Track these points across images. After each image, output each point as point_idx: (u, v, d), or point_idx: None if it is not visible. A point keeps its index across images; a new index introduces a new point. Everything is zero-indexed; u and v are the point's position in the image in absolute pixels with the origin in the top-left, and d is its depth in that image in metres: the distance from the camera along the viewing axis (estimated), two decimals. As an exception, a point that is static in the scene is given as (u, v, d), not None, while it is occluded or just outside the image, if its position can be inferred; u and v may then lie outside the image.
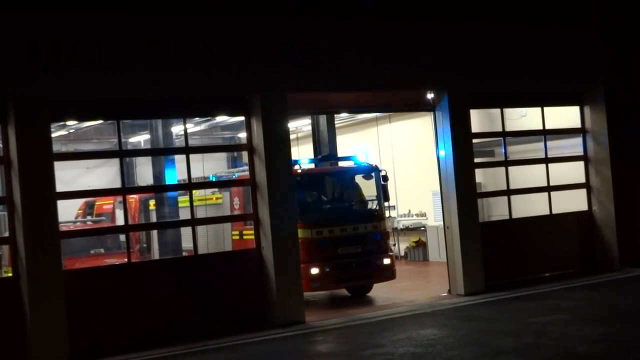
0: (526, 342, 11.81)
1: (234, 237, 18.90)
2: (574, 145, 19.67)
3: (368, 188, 19.16)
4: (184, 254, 18.58)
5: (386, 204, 19.05)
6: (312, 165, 20.22)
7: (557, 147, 19.91)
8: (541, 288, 17.10)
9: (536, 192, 19.11)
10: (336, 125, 22.96)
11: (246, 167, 16.45)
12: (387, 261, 18.23)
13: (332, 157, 20.47)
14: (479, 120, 21.08)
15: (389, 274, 18.30)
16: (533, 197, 19.35)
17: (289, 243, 15.20)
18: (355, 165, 19.29)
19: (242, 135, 19.45)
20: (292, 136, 19.21)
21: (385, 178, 18.88)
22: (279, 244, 15.04)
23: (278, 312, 14.96)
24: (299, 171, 18.08)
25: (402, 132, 26.75)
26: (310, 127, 23.15)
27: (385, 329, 13.89)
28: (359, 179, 19.19)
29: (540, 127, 19.08)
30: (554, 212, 18.86)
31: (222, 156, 31.52)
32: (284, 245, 15.11)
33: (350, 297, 18.76)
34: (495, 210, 22.35)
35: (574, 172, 19.47)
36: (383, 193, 18.79)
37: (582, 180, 19.38)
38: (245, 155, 16.74)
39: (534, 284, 17.49)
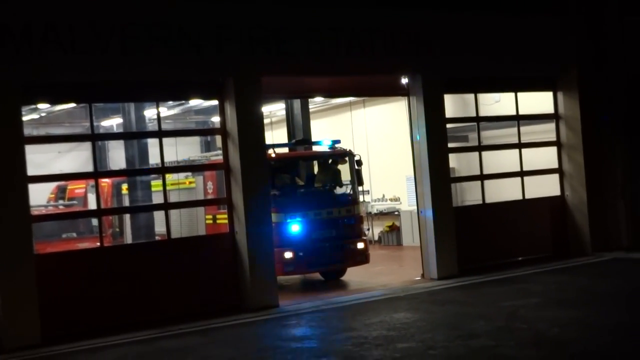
0: (498, 325, 11.92)
1: (208, 222, 18.91)
2: (547, 131, 19.81)
3: (342, 173, 19.21)
4: (157, 238, 18.56)
5: (360, 188, 19.14)
6: (286, 150, 20.22)
7: (531, 132, 20.05)
8: (514, 272, 17.25)
9: (509, 177, 19.24)
10: (310, 110, 22.97)
11: (220, 152, 16.44)
12: (360, 245, 18.33)
13: (306, 141, 20.51)
14: (453, 105, 21.17)
15: (362, 258, 18.41)
16: (506, 182, 19.49)
17: (262, 227, 15.22)
18: (329, 150, 19.33)
19: (216, 119, 19.43)
20: (266, 120, 19.21)
21: (359, 162, 18.95)
22: (253, 229, 15.06)
23: (251, 296, 14.99)
24: (273, 155, 18.09)
25: (376, 117, 26.80)
26: (284, 112, 23.14)
27: (359, 313, 13.97)
28: (332, 163, 19.23)
29: (514, 113, 19.19)
30: (526, 197, 19.00)
31: (195, 140, 31.45)
32: (258, 229, 15.13)
33: (324, 281, 18.85)
34: (469, 195, 22.49)
35: (547, 157, 19.62)
36: (357, 177, 18.85)
37: (555, 165, 19.53)
38: (219, 139, 16.72)
39: (507, 268, 17.64)
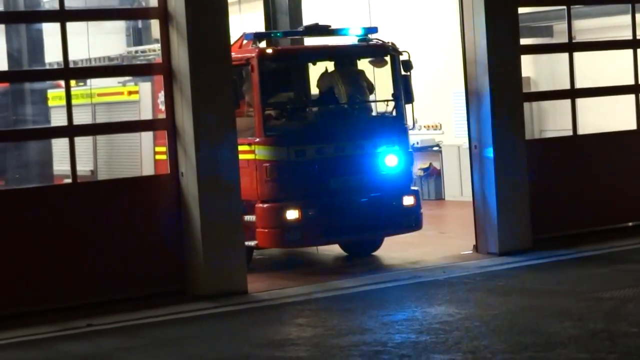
0: (593, 329, 11.97)
1: (159, 157, 18.80)
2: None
3: (380, 81, 18.95)
4: (61, 181, 18.56)
5: (409, 107, 18.80)
6: (288, 42, 20.11)
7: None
8: (619, 245, 17.39)
9: (618, 94, 19.23)
10: (304, -19, 22.86)
11: (158, 46, 16.39)
12: (409, 201, 18.20)
13: (323, 29, 20.17)
14: (531, -23, 21.08)
15: (411, 221, 18.18)
16: (612, 102, 19.48)
17: (225, 168, 15.24)
18: (359, 43, 19.12)
19: (152, -7, 19.36)
20: (231, -3, 19.13)
21: (408, 65, 18.70)
22: (209, 169, 15.05)
23: (205, 276, 15.07)
24: (269, 51, 17.86)
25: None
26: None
27: (374, 306, 14.06)
28: (365, 66, 18.99)
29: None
30: (644, 126, 19.06)
31: (118, 28, 31.32)
32: (217, 171, 15.14)
33: (347, 258, 18.74)
34: (552, 122, 22.52)
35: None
36: (404, 89, 18.64)
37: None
38: (155, 26, 16.65)
39: (609, 239, 17.79)
